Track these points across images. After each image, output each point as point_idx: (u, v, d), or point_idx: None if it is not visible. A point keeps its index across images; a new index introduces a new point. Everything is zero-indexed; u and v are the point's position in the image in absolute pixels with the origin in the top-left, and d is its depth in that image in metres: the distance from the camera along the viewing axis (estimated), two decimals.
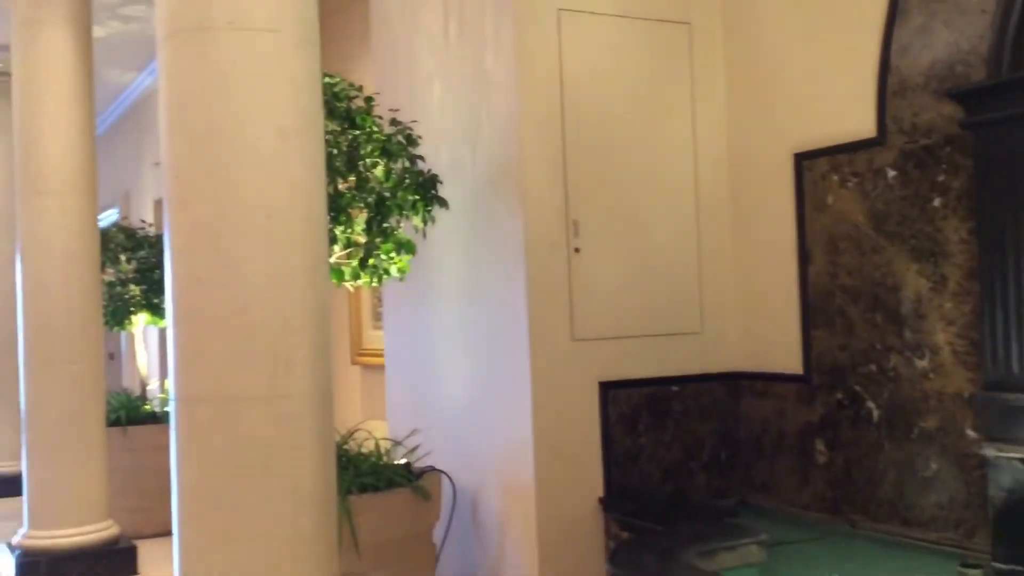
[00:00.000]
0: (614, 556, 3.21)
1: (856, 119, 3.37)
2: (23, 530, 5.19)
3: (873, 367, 3.33)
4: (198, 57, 2.44)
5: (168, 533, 5.67)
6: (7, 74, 5.66)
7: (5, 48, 5.91)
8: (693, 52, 3.94)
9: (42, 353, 5.21)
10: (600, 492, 3.67)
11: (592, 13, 3.75)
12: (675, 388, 3.83)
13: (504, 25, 3.69)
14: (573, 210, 3.69)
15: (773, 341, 3.77)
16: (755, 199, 3.87)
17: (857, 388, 3.40)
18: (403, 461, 3.75)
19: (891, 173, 3.26)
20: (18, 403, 5.33)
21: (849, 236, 3.42)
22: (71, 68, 5.26)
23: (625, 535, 3.53)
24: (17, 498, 5.38)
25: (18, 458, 5.40)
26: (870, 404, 3.35)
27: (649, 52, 3.88)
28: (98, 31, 5.58)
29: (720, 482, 3.90)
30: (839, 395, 3.47)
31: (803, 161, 3.61)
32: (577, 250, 3.69)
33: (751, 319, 3.90)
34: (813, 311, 3.57)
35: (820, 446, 3.54)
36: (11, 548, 5.23)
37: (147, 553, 5.35)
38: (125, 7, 6.56)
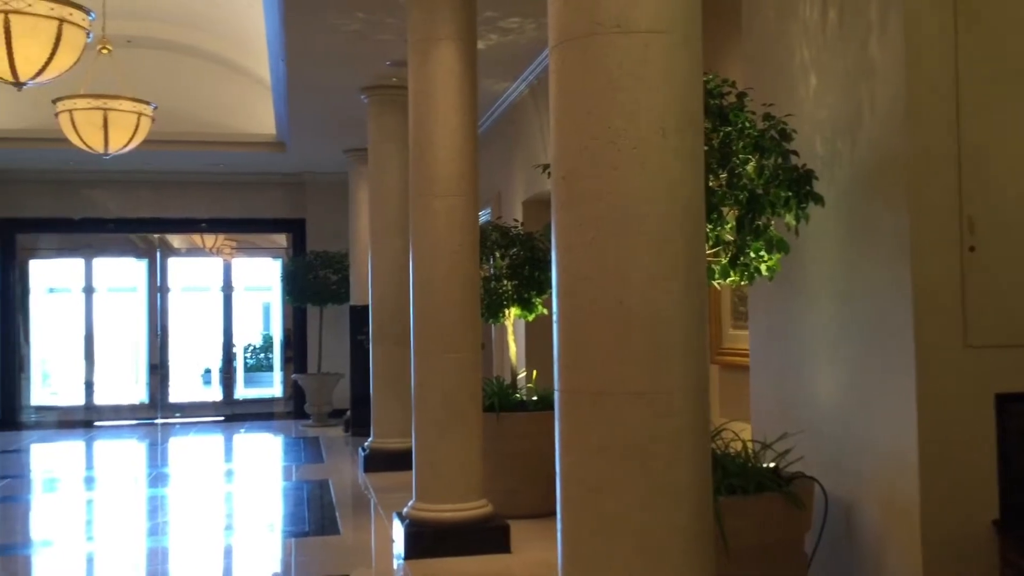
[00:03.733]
0: None
1: None
2: (411, 502, 5.72)
3: None
4: (586, 61, 2.54)
5: (536, 515, 6.04)
6: (403, 88, 6.26)
7: (402, 64, 6.55)
8: None
9: (429, 342, 5.71)
10: (995, 514, 3.33)
11: None
12: None
13: (892, 9, 3.46)
14: (967, 206, 3.38)
15: None
16: None
17: None
18: (771, 465, 3.65)
19: None
20: (409, 387, 5.89)
21: None
22: (458, 80, 5.70)
23: None
24: (408, 472, 5.93)
25: (408, 435, 5.96)
26: None
27: None
28: (478, 43, 6.00)
29: None
30: None
31: None
32: (972, 249, 3.37)
33: None
34: None
35: None
36: (401, 517, 5.79)
37: (518, 532, 5.66)
38: (503, 20, 6.99)
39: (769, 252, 3.67)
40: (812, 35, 4.04)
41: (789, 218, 3.67)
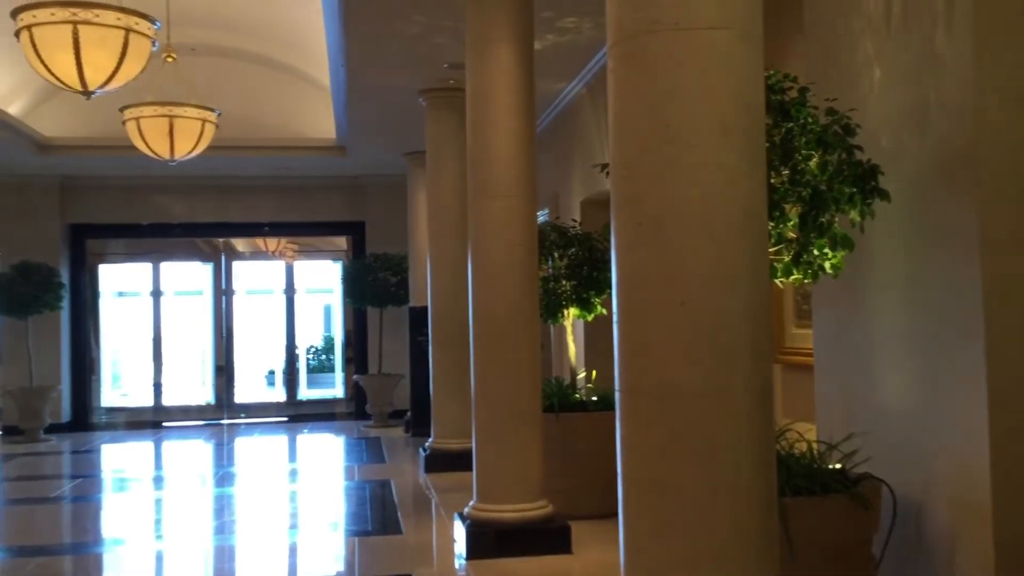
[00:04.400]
0: None
1: None
2: (472, 502, 5.75)
3: None
4: (644, 60, 2.52)
5: (597, 516, 6.01)
6: (461, 90, 6.29)
7: (460, 66, 6.58)
8: None
9: (488, 343, 5.73)
10: None
11: None
12: None
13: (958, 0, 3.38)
14: None
15: None
16: None
17: None
18: (837, 466, 3.59)
19: None
20: (468, 388, 5.91)
21: None
22: (515, 81, 5.72)
23: None
24: (468, 472, 5.95)
25: (468, 436, 5.98)
26: None
27: None
28: (535, 44, 6.00)
29: None
30: None
31: None
32: None
33: None
34: None
35: None
36: (461, 518, 5.81)
37: (579, 533, 5.64)
38: (560, 20, 6.99)
39: (833, 249, 3.60)
40: (875, 28, 3.96)
41: (854, 214, 3.60)
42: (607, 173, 2.81)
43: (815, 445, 3.67)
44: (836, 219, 3.61)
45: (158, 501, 8.66)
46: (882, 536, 3.62)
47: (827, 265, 3.65)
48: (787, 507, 3.15)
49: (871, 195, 3.59)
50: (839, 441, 3.71)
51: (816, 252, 3.62)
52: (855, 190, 3.57)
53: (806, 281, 3.71)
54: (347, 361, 15.33)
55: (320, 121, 11.81)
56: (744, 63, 2.52)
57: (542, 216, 10.05)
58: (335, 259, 16.33)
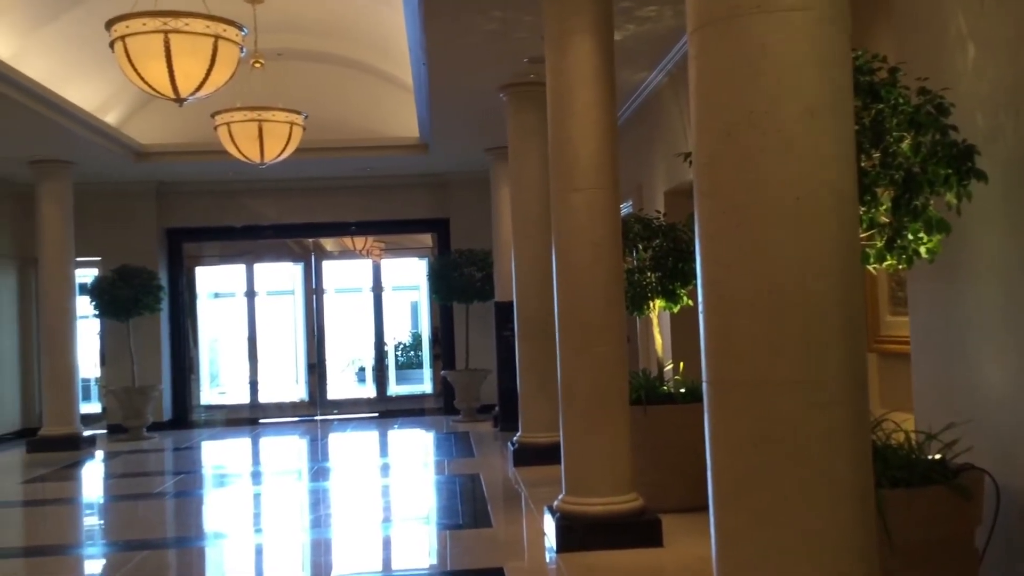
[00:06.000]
0: None
1: None
2: (561, 495, 5.75)
3: None
4: (727, 44, 2.48)
5: (687, 509, 5.95)
6: (541, 84, 6.28)
7: (539, 60, 6.58)
8: None
9: (574, 336, 5.71)
10: None
11: None
12: None
13: None
14: None
15: None
16: None
17: None
18: (937, 456, 3.48)
19: None
20: (555, 381, 5.91)
21: None
22: (595, 73, 5.68)
23: None
24: (556, 466, 5.96)
25: (556, 429, 5.98)
26: None
27: None
28: (615, 34, 5.96)
29: None
30: None
31: None
32: None
33: None
34: None
35: None
36: (551, 511, 5.82)
37: (669, 526, 5.59)
38: (640, 9, 6.92)
39: (929, 233, 3.49)
40: (969, 3, 3.82)
41: (950, 196, 3.48)
42: (690, 162, 2.78)
43: (913, 435, 3.57)
44: (931, 202, 3.50)
45: (256, 496, 8.89)
46: (985, 528, 3.50)
47: (922, 250, 3.54)
48: (885, 499, 3.07)
49: (968, 176, 3.46)
50: (939, 431, 3.60)
51: (910, 237, 3.51)
52: (950, 171, 3.45)
53: (900, 267, 3.60)
54: (435, 357, 15.49)
55: (403, 120, 11.95)
56: (829, 44, 2.46)
57: (626, 208, 9.99)
58: (421, 256, 16.51)
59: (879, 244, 3.53)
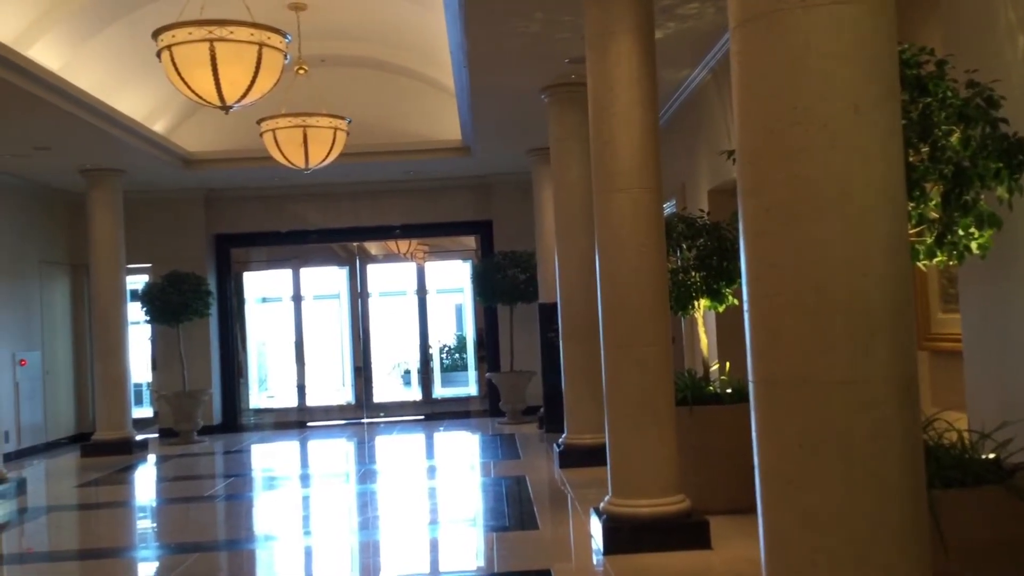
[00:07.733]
0: None
1: None
2: (608, 497, 5.72)
3: None
4: (770, 39, 2.45)
5: (735, 510, 5.89)
6: (582, 84, 6.26)
7: (581, 61, 6.56)
8: None
9: (618, 337, 5.69)
10: None
11: None
12: None
13: None
14: None
15: None
16: None
17: None
18: (991, 456, 3.41)
19: None
20: (600, 383, 5.89)
21: None
22: (637, 73, 5.65)
23: None
24: (602, 467, 5.94)
25: (602, 431, 5.96)
26: None
27: None
28: (656, 33, 5.92)
29: None
30: None
31: None
32: None
33: None
34: None
35: None
36: (598, 513, 5.80)
37: (717, 528, 5.55)
38: (681, 7, 6.88)
39: (980, 228, 3.43)
40: None
41: (1001, 191, 3.41)
42: (733, 160, 2.75)
43: (966, 435, 3.50)
44: (982, 196, 3.43)
45: (305, 498, 8.98)
46: None
47: (973, 245, 3.48)
48: (937, 500, 3.01)
49: (1019, 170, 3.40)
50: (992, 430, 3.53)
51: (961, 232, 3.45)
52: (1001, 165, 3.39)
53: (951, 263, 3.54)
54: (479, 359, 15.52)
55: (445, 123, 12.00)
56: (875, 37, 2.42)
57: (669, 207, 9.93)
58: (464, 259, 16.55)
59: (929, 240, 3.47)
